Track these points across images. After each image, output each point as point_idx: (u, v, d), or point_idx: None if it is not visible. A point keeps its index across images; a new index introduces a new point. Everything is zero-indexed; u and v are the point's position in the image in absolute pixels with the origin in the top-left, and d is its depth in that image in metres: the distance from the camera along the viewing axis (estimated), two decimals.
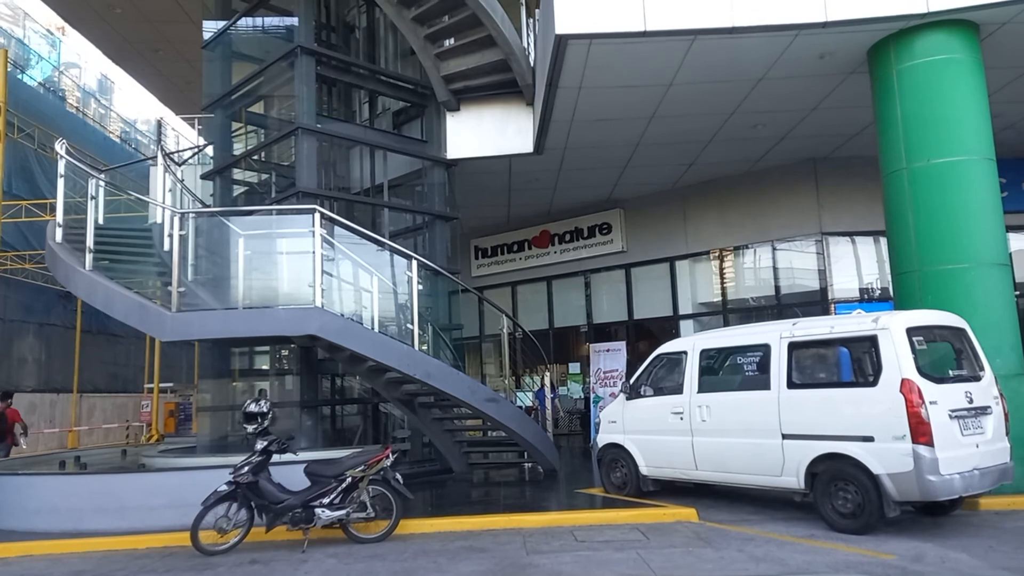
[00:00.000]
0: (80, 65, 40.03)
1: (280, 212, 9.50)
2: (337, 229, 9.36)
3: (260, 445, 6.71)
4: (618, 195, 15.41)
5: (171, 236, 9.79)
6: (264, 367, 12.70)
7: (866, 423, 6.27)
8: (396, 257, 9.95)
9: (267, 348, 13.13)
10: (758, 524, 7.01)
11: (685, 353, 8.05)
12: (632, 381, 8.55)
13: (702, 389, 7.72)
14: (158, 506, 7.61)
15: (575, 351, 17.65)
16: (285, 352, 12.25)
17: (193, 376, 31.47)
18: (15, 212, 18.27)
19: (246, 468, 6.57)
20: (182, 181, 11.13)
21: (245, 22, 12.72)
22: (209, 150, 14.10)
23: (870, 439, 6.21)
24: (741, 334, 7.80)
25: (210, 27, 13.09)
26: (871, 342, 6.41)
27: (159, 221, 11.02)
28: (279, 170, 12.99)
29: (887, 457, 6.09)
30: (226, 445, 11.51)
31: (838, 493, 6.46)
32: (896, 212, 8.65)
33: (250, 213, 10.07)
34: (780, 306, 13.54)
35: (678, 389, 7.98)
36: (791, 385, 6.90)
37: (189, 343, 32.20)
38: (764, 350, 7.23)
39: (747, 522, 7.13)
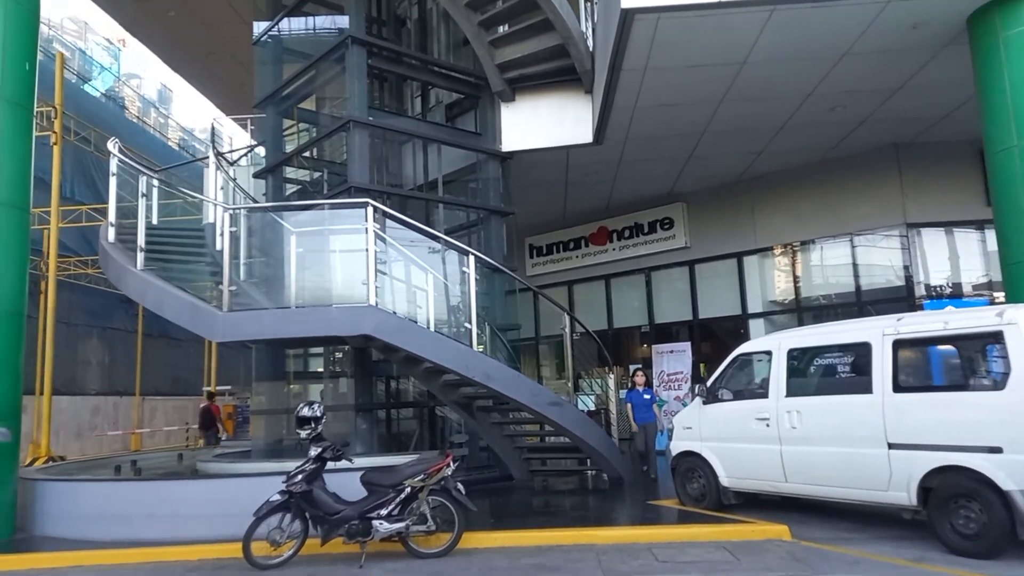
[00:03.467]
0: (140, 76, 41.11)
1: (333, 207, 9.13)
2: (391, 225, 8.97)
3: (314, 452, 6.29)
4: (680, 188, 14.66)
5: (222, 234, 9.63)
6: (318, 369, 12.42)
7: (992, 432, 5.47)
8: (452, 253, 9.49)
9: (321, 350, 12.88)
10: (860, 544, 6.26)
11: (769, 353, 7.33)
12: (709, 384, 7.86)
13: (791, 393, 7.00)
14: (210, 514, 7.29)
15: (635, 353, 16.92)
16: (339, 354, 11.94)
17: (250, 378, 31.82)
18: (76, 217, 18.53)
19: (299, 476, 6.16)
20: (234, 179, 10.90)
21: (297, 23, 12.52)
22: (261, 150, 13.95)
23: (998, 450, 5.42)
24: (835, 331, 7.03)
25: (261, 27, 12.93)
26: (995, 339, 5.61)
27: (212, 221, 10.87)
28: (331, 168, 12.70)
29: (1020, 471, 5.29)
30: (281, 449, 11.24)
31: (959, 511, 5.67)
32: (1005, 195, 7.75)
33: (302, 208, 9.74)
34: (860, 303, 12.59)
35: (762, 393, 7.27)
36: (897, 388, 6.13)
37: (245, 345, 32.53)
38: (863, 349, 6.47)
39: (847, 541, 6.38)
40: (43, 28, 22.34)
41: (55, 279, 14.89)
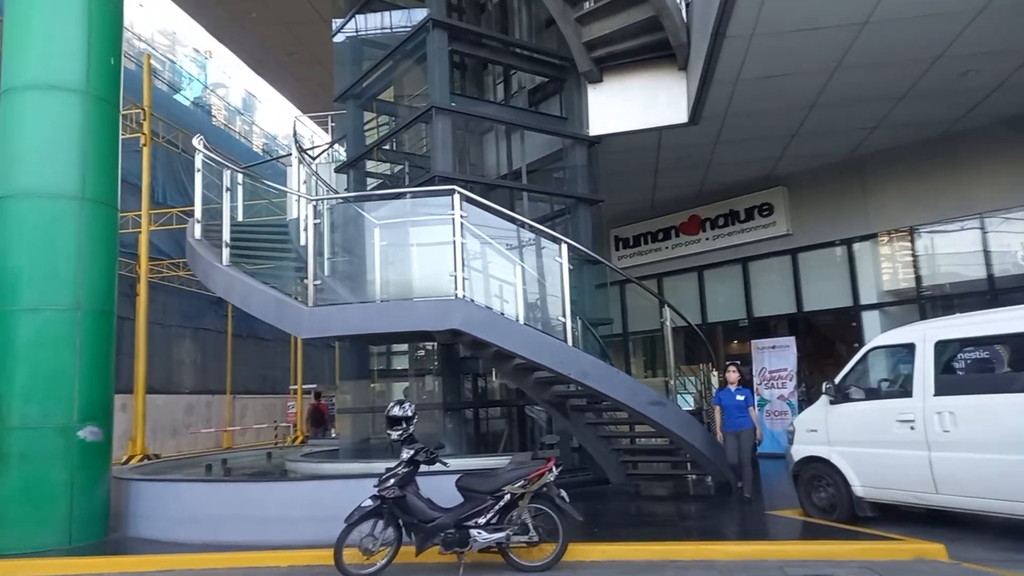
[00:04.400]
0: (226, 85, 42.64)
1: (417, 195, 8.72)
2: (476, 215, 8.47)
3: (406, 454, 5.84)
4: (782, 170, 13.60)
5: (306, 229, 9.38)
6: (404, 367, 12.11)
7: None
8: (542, 243, 8.91)
9: (405, 347, 12.61)
10: None
11: (912, 346, 6.41)
12: (838, 381, 6.99)
13: (941, 391, 6.07)
14: (299, 518, 6.99)
15: (731, 349, 15.92)
16: (422, 351, 11.61)
17: (334, 377, 32.37)
18: (166, 220, 19.01)
19: (392, 481, 5.72)
20: (316, 173, 10.69)
21: (375, 17, 12.28)
22: (342, 149, 13.83)
23: None
24: (995, 320, 6.05)
25: (340, 21, 12.77)
26: None
27: (296, 216, 10.70)
28: (412, 160, 12.39)
29: None
30: (368, 449, 11.00)
31: None
32: None
33: (387, 197, 9.39)
34: (993, 292, 11.27)
35: (904, 391, 6.36)
36: None
37: (328, 344, 33.09)
38: None
39: (1016, 564, 5.44)
40: (135, 40, 23.17)
41: (147, 281, 15.21)
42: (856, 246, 12.99)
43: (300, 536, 6.82)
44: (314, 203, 8.17)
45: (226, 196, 8.79)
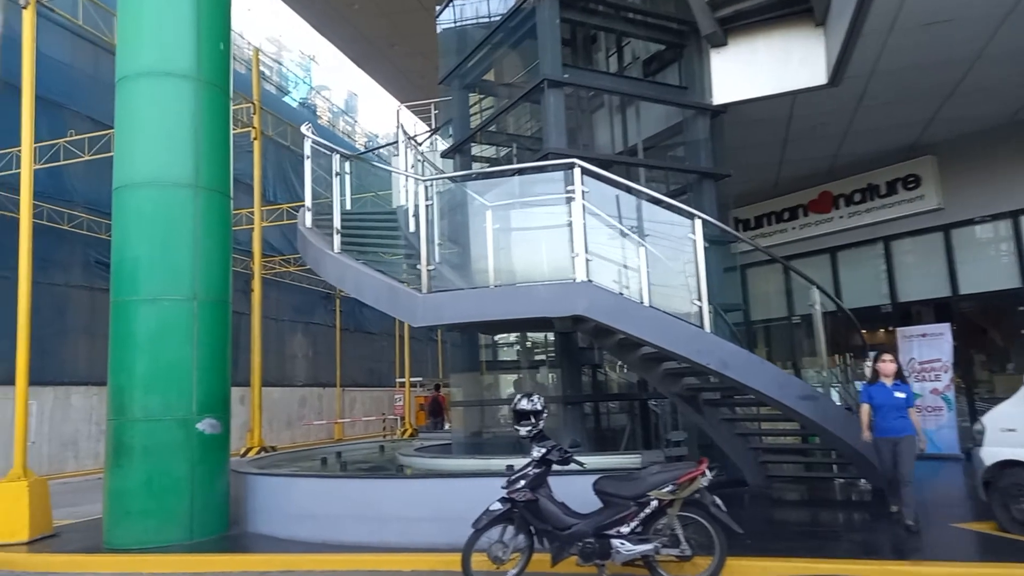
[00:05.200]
0: (329, 87, 43.97)
1: (534, 170, 8.10)
2: (595, 193, 7.76)
3: (537, 453, 5.24)
4: (929, 138, 12.09)
5: (415, 215, 9.01)
6: (515, 358, 11.60)
7: None
8: (670, 221, 8.10)
9: (512, 337, 12.11)
10: None
11: None
12: None
13: None
14: (419, 518, 6.57)
15: (871, 339, 14.47)
16: (536, 341, 11.04)
17: (437, 370, 32.60)
18: (277, 216, 19.39)
19: (522, 483, 5.14)
20: (424, 157, 10.31)
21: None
22: (441, 142, 13.49)
23: None
24: None
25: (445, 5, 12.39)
26: None
27: (403, 203, 10.39)
28: (520, 142, 11.83)
29: None
30: (481, 443, 10.57)
31: None
32: None
33: (503, 174, 8.85)
34: None
35: None
36: None
37: (431, 337, 33.22)
38: None
39: None
40: (245, 49, 23.90)
41: (261, 276, 15.48)
42: None
43: (420, 537, 6.41)
44: (425, 184, 7.70)
45: (336, 182, 8.50)
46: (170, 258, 7.19)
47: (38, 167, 13.15)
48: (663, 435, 9.88)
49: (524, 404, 5.39)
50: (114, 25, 8.92)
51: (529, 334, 11.30)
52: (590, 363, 9.97)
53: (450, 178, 9.31)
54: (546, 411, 5.43)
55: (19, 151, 9.94)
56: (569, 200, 7.15)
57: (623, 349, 8.02)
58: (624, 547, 4.96)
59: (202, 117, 7.42)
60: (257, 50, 15.46)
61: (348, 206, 10.26)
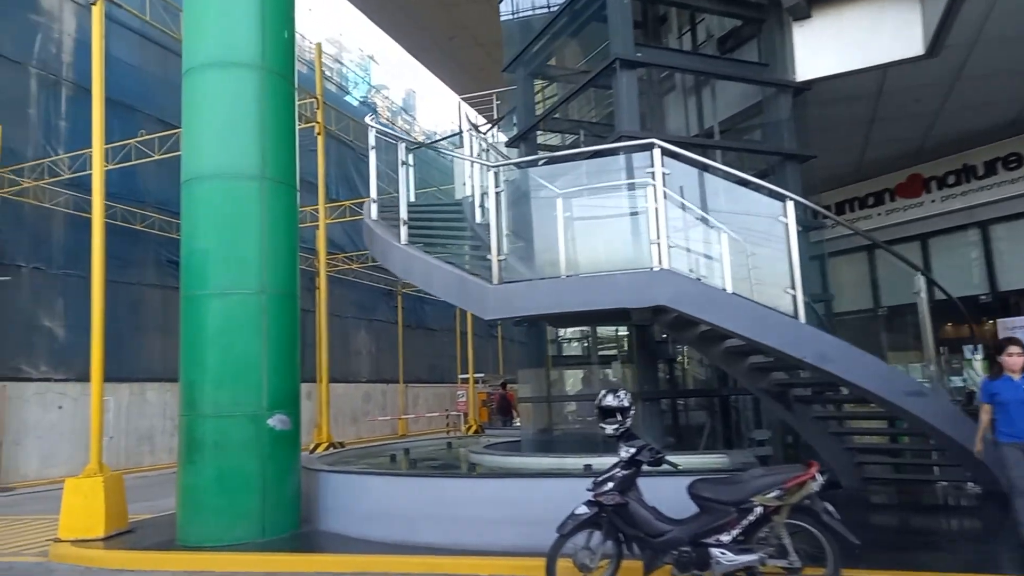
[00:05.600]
0: (388, 87, 44.44)
1: (611, 152, 7.66)
2: (673, 176, 7.28)
3: (625, 453, 4.83)
4: None
5: (481, 206, 8.74)
6: (585, 353, 11.20)
7: None
8: (753, 205, 7.55)
9: (575, 331, 11.72)
10: None
11: None
12: None
13: None
14: (495, 519, 6.25)
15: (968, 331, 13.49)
16: (608, 335, 10.62)
17: (499, 366, 32.40)
18: (340, 213, 19.44)
19: (610, 485, 4.74)
20: (491, 145, 10.00)
21: None
22: (502, 140, 13.16)
23: None
24: None
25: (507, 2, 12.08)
26: None
27: (468, 195, 10.10)
28: (588, 128, 11.41)
29: None
30: (551, 441, 10.21)
31: None
32: None
33: (578, 157, 8.42)
34: None
35: None
36: None
37: (492, 333, 33.00)
38: None
39: None
40: (305, 48, 24.12)
41: (326, 274, 15.49)
42: None
43: (498, 539, 6.08)
44: (495, 171, 7.36)
45: (402, 171, 8.26)
46: (238, 251, 7.06)
47: (110, 167, 13.41)
48: (745, 434, 9.32)
49: (610, 400, 4.99)
50: (181, 21, 8.89)
51: (598, 327, 10.90)
52: (666, 357, 9.48)
53: (521, 163, 8.96)
54: (633, 408, 5.02)
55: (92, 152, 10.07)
56: (646, 184, 6.71)
57: (705, 342, 7.53)
58: (725, 557, 4.52)
59: (267, 107, 7.27)
60: (319, 45, 15.44)
61: (412, 196, 10.05)
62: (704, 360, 9.76)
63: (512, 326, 15.65)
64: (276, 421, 7.03)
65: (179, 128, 7.95)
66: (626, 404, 4.98)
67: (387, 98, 39.71)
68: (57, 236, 15.26)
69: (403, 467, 9.37)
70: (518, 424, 17.18)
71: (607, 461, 5.04)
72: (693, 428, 9.65)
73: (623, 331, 9.65)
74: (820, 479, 4.54)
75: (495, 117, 15.67)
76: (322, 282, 15.25)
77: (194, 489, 6.87)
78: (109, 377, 8.85)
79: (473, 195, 9.74)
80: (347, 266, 23.16)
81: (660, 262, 6.49)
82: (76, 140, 14.95)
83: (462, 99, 17.11)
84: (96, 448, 7.65)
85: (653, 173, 6.71)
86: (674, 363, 9.75)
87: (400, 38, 18.58)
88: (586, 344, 11.41)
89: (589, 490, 4.83)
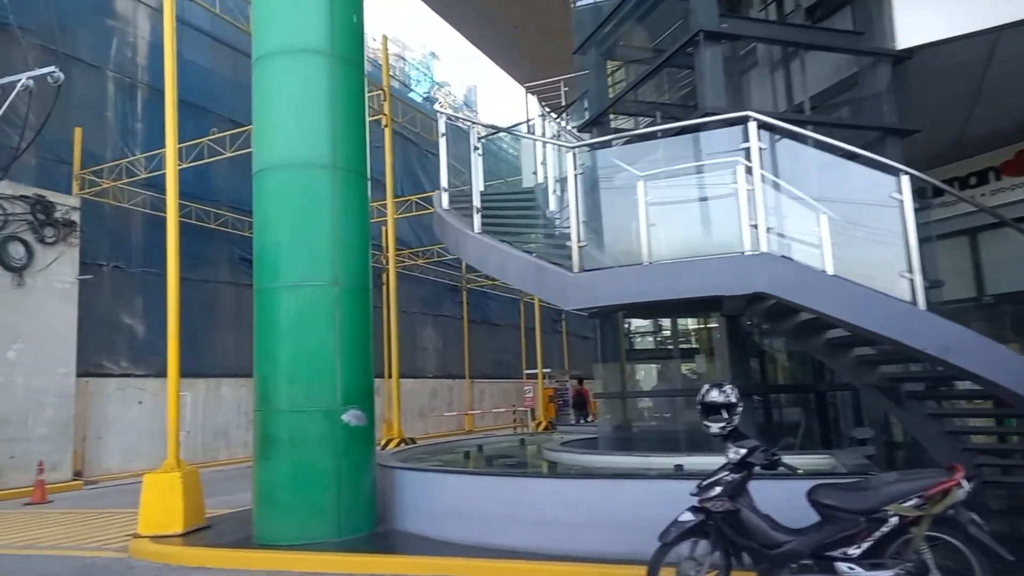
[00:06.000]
0: (449, 84, 44.66)
1: (700, 128, 7.12)
2: (767, 153, 6.71)
3: (734, 454, 4.35)
4: None
5: (554, 192, 8.35)
6: (657, 346, 10.68)
7: None
8: (856, 182, 6.91)
9: (648, 323, 11.18)
10: None
11: None
12: None
13: None
14: (579, 523, 5.86)
15: None
16: (691, 326, 10.06)
17: (564, 361, 31.92)
18: (406, 208, 19.35)
19: (718, 490, 4.27)
20: (565, 128, 9.57)
21: None
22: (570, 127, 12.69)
23: None
24: None
25: None
26: None
27: (541, 182, 9.72)
28: (664, 110, 10.85)
29: None
30: (630, 438, 9.74)
31: None
32: None
33: (666, 132, 7.93)
34: None
35: None
36: None
37: (556, 329, 32.55)
38: None
39: None
40: (369, 44, 24.20)
41: (395, 269, 15.38)
42: None
43: (583, 544, 5.69)
44: (574, 152, 6.93)
45: (474, 157, 7.92)
46: (310, 242, 6.87)
47: (183, 166, 13.61)
48: (844, 432, 8.63)
49: (715, 396, 4.50)
50: (249, 14, 8.79)
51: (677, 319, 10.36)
52: (756, 349, 8.88)
53: (601, 142, 8.49)
54: (741, 404, 4.53)
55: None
56: (737, 163, 6.18)
57: (805, 333, 6.93)
58: (854, 572, 3.99)
59: (337, 94, 7.06)
60: (385, 36, 15.32)
61: (481, 185, 9.73)
62: (796, 353, 9.12)
63: (582, 319, 15.17)
64: (351, 416, 6.82)
65: (249, 127, 7.83)
66: (733, 400, 4.50)
67: (450, 93, 39.72)
68: (136, 235, 15.65)
69: (478, 465, 9.08)
70: (594, 420, 16.77)
71: (697, 461, 4.59)
72: (787, 426, 8.99)
73: (699, 323, 9.09)
74: (966, 486, 3.96)
75: (562, 104, 15.22)
76: (392, 277, 15.14)
77: (269, 486, 6.72)
78: (185, 373, 8.86)
79: (547, 181, 9.35)
80: (413, 262, 23.12)
81: (760, 245, 5.96)
82: (152, 141, 15.27)
83: (527, 88, 16.72)
84: (173, 444, 7.62)
85: (748, 149, 6.17)
86: (764, 356, 9.13)
87: (464, 29, 18.32)
88: (662, 337, 10.88)
89: (694, 495, 4.37)
